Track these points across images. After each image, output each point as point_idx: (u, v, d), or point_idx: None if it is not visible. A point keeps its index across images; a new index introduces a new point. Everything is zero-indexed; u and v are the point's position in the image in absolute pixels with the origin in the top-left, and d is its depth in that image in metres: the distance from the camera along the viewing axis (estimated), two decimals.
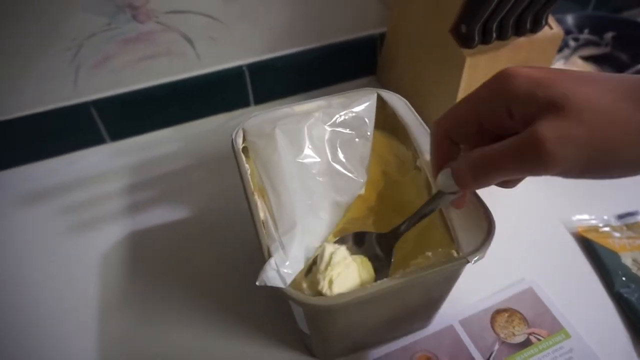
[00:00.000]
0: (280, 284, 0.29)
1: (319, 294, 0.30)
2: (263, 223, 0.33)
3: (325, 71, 0.66)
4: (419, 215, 0.32)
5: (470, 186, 0.27)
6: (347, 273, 0.31)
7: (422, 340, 0.41)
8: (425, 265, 0.30)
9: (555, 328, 0.41)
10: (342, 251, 0.33)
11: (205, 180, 0.55)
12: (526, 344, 0.40)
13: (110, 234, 0.50)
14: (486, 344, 0.40)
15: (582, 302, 0.43)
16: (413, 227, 0.33)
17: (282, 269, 0.30)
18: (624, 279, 0.43)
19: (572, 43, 0.66)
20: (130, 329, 0.43)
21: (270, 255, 0.30)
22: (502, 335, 0.41)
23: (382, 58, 0.65)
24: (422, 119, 0.41)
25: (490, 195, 0.34)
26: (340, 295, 0.29)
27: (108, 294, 0.45)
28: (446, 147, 0.29)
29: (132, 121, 0.60)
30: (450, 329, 0.42)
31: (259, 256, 0.31)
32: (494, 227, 0.31)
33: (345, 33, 0.64)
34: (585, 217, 0.49)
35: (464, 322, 0.42)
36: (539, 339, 0.41)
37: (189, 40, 0.56)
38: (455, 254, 0.31)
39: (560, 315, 0.42)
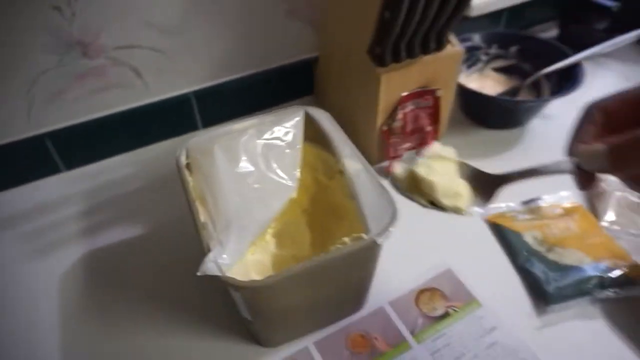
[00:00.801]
0: (217, 273, 0.34)
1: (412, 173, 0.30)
2: (204, 225, 0.38)
3: (267, 94, 0.72)
4: (532, 173, 0.32)
5: (627, 167, 0.25)
6: (445, 170, 0.32)
7: (356, 322, 0.47)
8: (339, 248, 0.36)
9: (469, 300, 0.48)
10: (451, 151, 0.34)
11: (157, 200, 0.59)
12: (445, 315, 0.47)
13: (69, 256, 0.54)
14: (411, 320, 0.47)
15: (491, 276, 0.50)
16: (519, 179, 0.34)
17: (220, 260, 0.35)
18: (525, 253, 0.50)
19: (483, 57, 0.75)
20: (90, 338, 0.46)
21: (209, 251, 0.36)
22: (424, 311, 0.47)
23: (317, 79, 0.72)
24: (351, 130, 0.48)
25: None
26: (269, 277, 0.34)
27: (68, 311, 0.49)
28: (597, 124, 0.28)
29: (86, 150, 0.64)
30: (381, 310, 0.47)
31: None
32: (397, 212, 0.38)
33: (283, 58, 0.70)
34: (496, 205, 0.56)
35: (392, 303, 0.48)
36: (455, 311, 0.47)
37: (137, 72, 0.62)
38: (365, 237, 0.37)
39: (473, 289, 0.49)
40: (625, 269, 0.47)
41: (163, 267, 0.52)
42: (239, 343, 0.45)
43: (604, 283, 0.46)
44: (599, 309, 0.47)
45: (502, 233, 0.53)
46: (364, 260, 0.40)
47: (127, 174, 0.64)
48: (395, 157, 0.60)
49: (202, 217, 0.39)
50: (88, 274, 0.52)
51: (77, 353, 0.45)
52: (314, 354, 0.45)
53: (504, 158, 0.63)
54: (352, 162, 0.44)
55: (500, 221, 0.54)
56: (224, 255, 0.35)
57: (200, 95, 0.67)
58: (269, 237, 0.47)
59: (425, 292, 0.49)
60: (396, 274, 0.50)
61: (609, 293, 0.46)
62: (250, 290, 0.34)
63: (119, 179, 0.63)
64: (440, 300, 0.48)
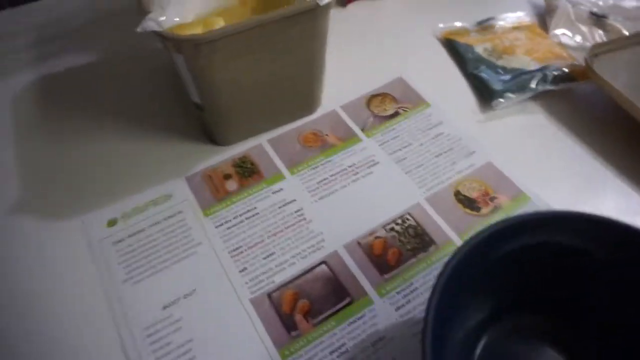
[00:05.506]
0: (157, 28, 0.34)
1: None
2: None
3: None
4: None
5: None
6: None
7: (309, 122, 0.48)
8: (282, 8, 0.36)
9: (418, 101, 0.49)
10: None
11: (110, 29, 0.58)
12: (395, 115, 0.48)
13: (22, 79, 0.53)
14: (362, 119, 0.48)
15: (442, 83, 0.51)
16: None
17: (160, 19, 0.35)
18: (475, 62, 0.51)
19: None
20: (45, 146, 0.47)
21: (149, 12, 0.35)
22: (375, 112, 0.49)
23: None
24: None
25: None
26: (209, 31, 0.34)
27: (22, 127, 0.49)
28: None
29: None
30: (333, 112, 0.49)
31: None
32: None
33: None
34: (450, 24, 0.56)
35: (345, 107, 0.49)
36: (405, 110, 0.49)
37: None
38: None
39: (423, 93, 0.50)
40: (567, 68, 0.49)
41: (120, 85, 0.52)
42: (197, 144, 0.47)
43: (545, 79, 0.48)
44: (538, 105, 0.49)
45: (453, 46, 0.54)
46: (311, 29, 0.40)
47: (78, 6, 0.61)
48: None
49: None
50: (44, 94, 0.51)
51: (31, 158, 0.46)
52: (267, 149, 0.46)
53: None
54: None
55: (453, 37, 0.55)
56: (164, 17, 0.35)
57: None
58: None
59: (377, 97, 0.50)
60: (349, 80, 0.51)
61: (549, 87, 0.48)
62: (191, 45, 0.34)
63: (71, 9, 0.61)
64: (391, 103, 0.49)
